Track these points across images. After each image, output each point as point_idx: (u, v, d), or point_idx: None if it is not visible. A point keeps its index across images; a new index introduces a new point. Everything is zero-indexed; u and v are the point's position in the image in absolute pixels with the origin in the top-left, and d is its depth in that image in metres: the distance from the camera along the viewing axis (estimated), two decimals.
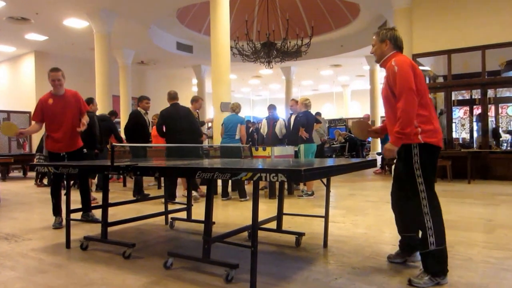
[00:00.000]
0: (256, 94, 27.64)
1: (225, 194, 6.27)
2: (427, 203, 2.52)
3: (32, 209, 5.84)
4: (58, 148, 4.43)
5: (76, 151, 4.52)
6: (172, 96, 6.17)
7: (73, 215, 3.70)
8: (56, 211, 4.50)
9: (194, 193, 5.74)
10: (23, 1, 9.73)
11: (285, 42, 10.95)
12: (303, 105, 6.53)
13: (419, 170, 2.54)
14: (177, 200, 5.70)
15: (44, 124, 4.49)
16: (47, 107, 4.38)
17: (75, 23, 11.30)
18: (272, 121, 7.46)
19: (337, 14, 13.33)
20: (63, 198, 3.85)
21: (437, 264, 2.44)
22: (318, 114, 11.40)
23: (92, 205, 4.74)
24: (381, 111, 17.54)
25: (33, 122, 4.55)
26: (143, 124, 6.70)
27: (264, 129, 7.59)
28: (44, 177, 9.22)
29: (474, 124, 10.58)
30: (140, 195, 6.57)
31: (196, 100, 6.92)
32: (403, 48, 2.73)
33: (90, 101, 6.26)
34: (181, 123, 5.99)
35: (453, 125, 10.04)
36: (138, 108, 6.77)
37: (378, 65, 11.08)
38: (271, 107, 7.56)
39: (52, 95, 4.48)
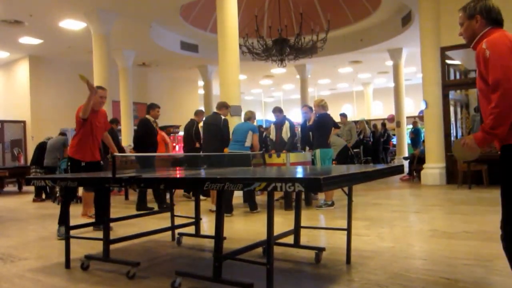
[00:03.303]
0: (268, 95, 27.67)
1: (228, 209, 5.92)
2: None
3: (28, 226, 5.93)
4: (83, 156, 4.98)
5: (95, 162, 5.10)
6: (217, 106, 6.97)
7: (72, 232, 3.75)
8: (63, 220, 4.60)
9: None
10: (16, 2, 9.95)
11: (299, 38, 10.95)
12: (320, 107, 6.55)
13: None
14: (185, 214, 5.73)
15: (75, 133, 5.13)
16: (88, 119, 4.93)
17: (72, 24, 11.50)
18: (279, 125, 7.48)
19: (355, 5, 13.29)
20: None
21: None
22: (344, 115, 11.51)
23: (93, 221, 4.83)
24: (407, 111, 17.38)
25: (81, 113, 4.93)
26: (152, 132, 6.99)
27: (273, 135, 7.61)
28: (41, 192, 9.35)
29: None
30: (142, 208, 6.66)
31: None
32: (502, 21, 2.31)
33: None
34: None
35: None
36: (147, 116, 7.03)
37: (403, 60, 10.97)
38: (277, 110, 7.56)
39: (92, 109, 4.99)
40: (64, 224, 4.56)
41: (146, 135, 6.94)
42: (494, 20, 2.28)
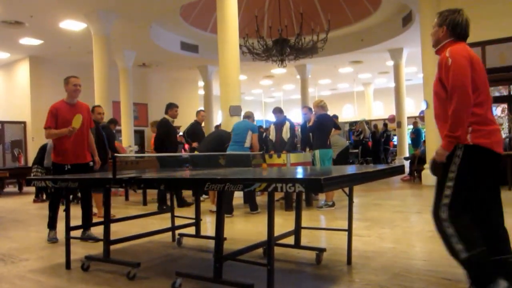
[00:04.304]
0: (268, 95, 27.67)
1: (228, 210, 5.91)
2: (448, 214, 2.35)
3: (28, 227, 5.93)
4: (64, 159, 4.51)
5: (83, 165, 4.61)
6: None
7: (72, 233, 3.75)
8: (52, 224, 4.69)
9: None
10: (16, 3, 9.96)
11: (299, 38, 10.95)
12: (320, 108, 6.56)
13: (454, 173, 2.36)
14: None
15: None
16: (61, 115, 4.47)
17: (72, 25, 11.51)
18: (280, 125, 7.47)
19: (356, 5, 13.28)
20: (61, 213, 3.90)
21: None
22: (335, 117, 11.38)
23: (93, 221, 4.83)
24: (407, 111, 17.37)
25: (46, 131, 4.49)
26: (172, 132, 7.14)
27: (273, 136, 7.61)
28: (41, 192, 9.34)
29: None
30: (183, 204, 6.97)
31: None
32: (466, 36, 2.54)
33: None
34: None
35: None
36: (166, 116, 7.11)
37: (403, 60, 11.03)
38: (277, 111, 7.55)
39: (66, 103, 4.59)
40: (53, 228, 4.64)
41: (166, 135, 7.02)
42: (458, 34, 2.51)
